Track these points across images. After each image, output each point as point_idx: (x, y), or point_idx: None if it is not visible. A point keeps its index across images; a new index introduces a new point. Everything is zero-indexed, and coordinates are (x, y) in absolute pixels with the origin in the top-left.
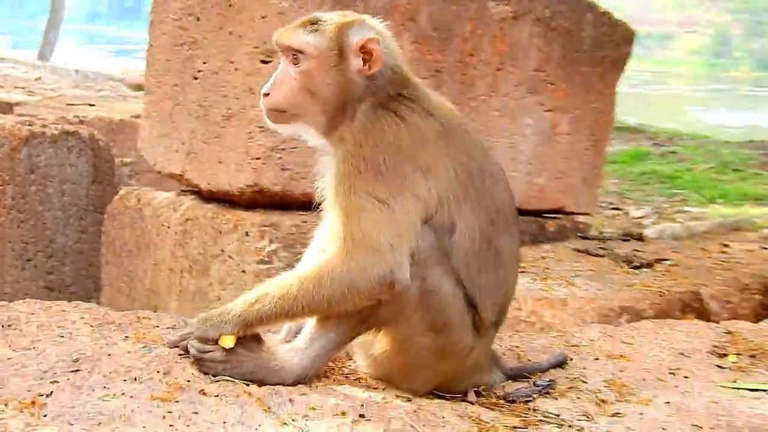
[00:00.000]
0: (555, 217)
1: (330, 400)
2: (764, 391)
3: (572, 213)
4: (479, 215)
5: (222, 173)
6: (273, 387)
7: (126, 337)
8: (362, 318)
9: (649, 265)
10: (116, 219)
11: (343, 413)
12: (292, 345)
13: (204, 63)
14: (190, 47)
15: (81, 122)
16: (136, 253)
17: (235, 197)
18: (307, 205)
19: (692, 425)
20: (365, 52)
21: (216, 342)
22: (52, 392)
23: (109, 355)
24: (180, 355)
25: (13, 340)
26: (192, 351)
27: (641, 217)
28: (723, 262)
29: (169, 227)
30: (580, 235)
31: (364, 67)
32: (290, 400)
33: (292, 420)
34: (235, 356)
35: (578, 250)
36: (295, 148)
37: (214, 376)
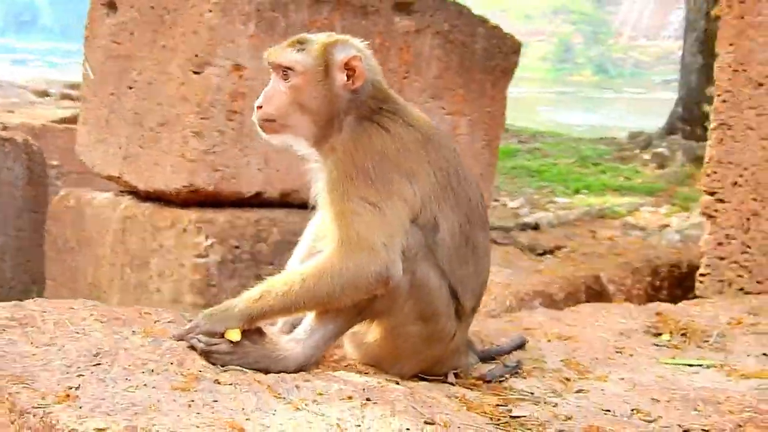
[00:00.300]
0: None
1: (333, 386)
2: (699, 365)
3: None
4: (458, 214)
5: (159, 175)
6: (278, 375)
7: (134, 331)
8: (358, 310)
9: (551, 252)
10: (58, 218)
11: (350, 397)
12: (293, 336)
13: (139, 74)
14: (125, 60)
15: (5, 128)
16: (77, 249)
17: (172, 197)
18: (236, 202)
19: (651, 399)
20: (349, 68)
21: (222, 335)
22: (79, 385)
23: (125, 349)
24: (189, 347)
25: (34, 337)
26: (200, 344)
27: (517, 208)
28: (612, 248)
29: (109, 225)
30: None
31: (348, 82)
32: (296, 387)
33: (305, 405)
34: (241, 348)
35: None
36: (225, 151)
37: (222, 366)
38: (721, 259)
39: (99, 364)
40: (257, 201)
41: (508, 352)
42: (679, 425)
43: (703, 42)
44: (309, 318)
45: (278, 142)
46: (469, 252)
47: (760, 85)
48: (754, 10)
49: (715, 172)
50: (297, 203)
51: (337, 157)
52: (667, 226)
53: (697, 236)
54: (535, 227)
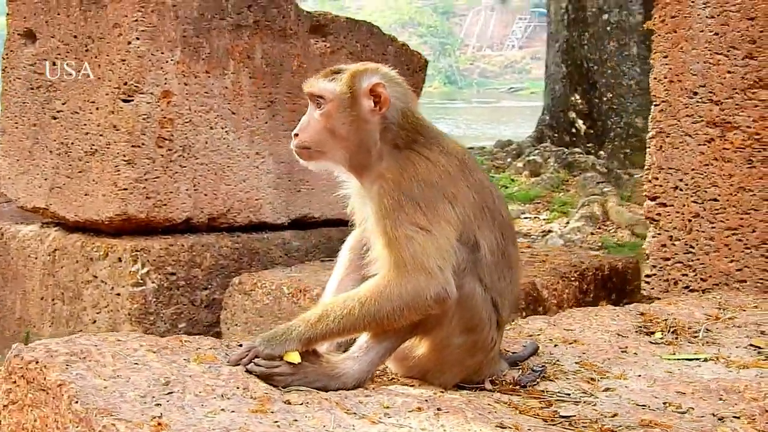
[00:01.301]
0: None
1: (396, 399)
2: (698, 359)
3: None
4: (494, 231)
5: (89, 204)
6: (339, 392)
7: (186, 359)
8: (411, 327)
9: None
10: None
11: (419, 408)
12: (348, 354)
13: (63, 104)
14: (47, 90)
15: None
16: (2, 285)
17: (103, 226)
18: (168, 229)
19: (675, 392)
20: (374, 94)
21: (281, 358)
22: (161, 414)
23: (190, 376)
24: (246, 371)
25: (98, 371)
26: (260, 369)
27: None
28: (535, 255)
29: (36, 258)
30: None
31: (375, 108)
32: (360, 402)
33: (379, 419)
34: (301, 368)
35: None
36: (157, 178)
37: (284, 387)
38: (666, 259)
39: (171, 392)
40: (187, 227)
41: (527, 358)
42: (713, 414)
43: (565, 52)
44: (364, 337)
45: (315, 168)
46: (505, 266)
47: (695, 94)
48: (686, 24)
49: (656, 178)
50: (224, 227)
51: (386, 185)
52: (549, 231)
53: (579, 239)
54: None
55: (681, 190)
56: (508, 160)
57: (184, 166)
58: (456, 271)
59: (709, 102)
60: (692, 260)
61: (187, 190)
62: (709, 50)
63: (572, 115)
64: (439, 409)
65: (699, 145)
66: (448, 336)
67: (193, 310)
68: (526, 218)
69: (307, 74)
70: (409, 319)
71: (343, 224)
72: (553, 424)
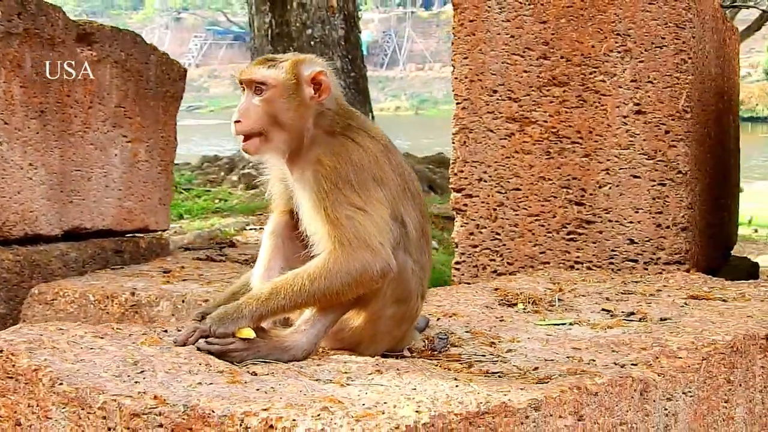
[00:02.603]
0: (140, 236)
1: (350, 365)
2: (564, 324)
3: (154, 230)
4: (415, 209)
5: None
6: (293, 363)
7: (134, 343)
8: (352, 301)
9: None
10: None
11: (379, 371)
12: (296, 328)
13: None
14: None
15: None
16: None
17: None
18: None
19: (572, 347)
20: (315, 82)
21: (233, 335)
22: (146, 390)
23: (152, 356)
24: (198, 349)
25: (62, 356)
26: (215, 347)
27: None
28: None
29: None
30: (182, 246)
31: (315, 96)
32: (318, 370)
33: (347, 382)
34: (254, 343)
35: (201, 259)
36: None
37: (239, 362)
38: (474, 247)
39: (143, 371)
40: None
41: (423, 329)
42: (615, 363)
43: None
44: (308, 311)
45: (258, 158)
46: (425, 242)
47: (495, 92)
48: (483, 27)
49: (461, 171)
50: (1, 240)
51: (322, 169)
52: None
53: None
54: (232, 244)
55: (485, 181)
56: (222, 174)
57: None
58: (392, 246)
59: (508, 99)
60: (498, 246)
61: None
62: (507, 51)
63: None
64: (397, 370)
65: (500, 139)
66: (382, 307)
67: None
68: (252, 229)
69: (74, 83)
70: (356, 293)
71: (114, 234)
72: (493, 378)
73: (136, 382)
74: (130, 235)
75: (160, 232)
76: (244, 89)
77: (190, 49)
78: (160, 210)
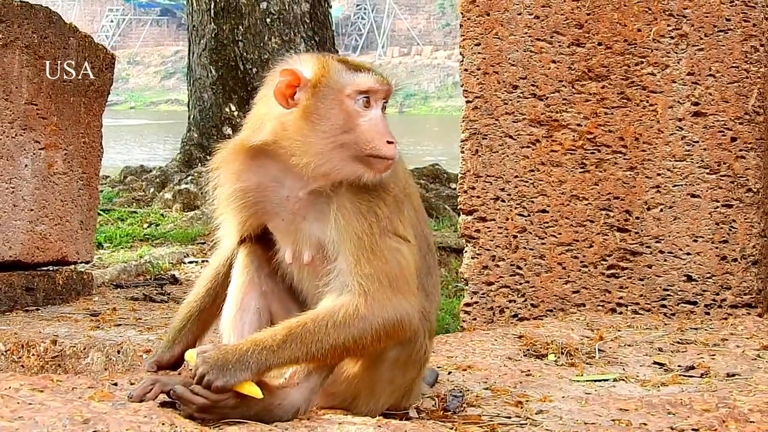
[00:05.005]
0: (56, 270)
1: (347, 428)
2: (607, 380)
3: (74, 262)
4: (420, 238)
5: None
6: (290, 423)
7: (81, 398)
8: None
9: None
10: None
11: None
12: (287, 382)
13: None
14: None
15: None
16: None
17: None
18: None
19: (618, 409)
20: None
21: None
22: None
23: (105, 414)
24: (164, 403)
25: None
26: (201, 400)
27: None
28: None
29: None
30: (114, 283)
31: None
32: None
33: None
34: (245, 400)
35: (137, 299)
36: None
37: (218, 419)
38: (489, 284)
39: (96, 431)
40: None
41: (432, 385)
42: (671, 428)
43: (214, 50)
44: None
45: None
46: (431, 276)
47: (515, 87)
48: (500, 5)
49: (472, 188)
50: None
51: (379, 194)
52: None
53: None
54: (174, 280)
55: (503, 201)
56: (151, 190)
57: None
58: None
59: (532, 97)
60: (520, 284)
61: None
62: (530, 36)
63: (228, 130)
64: None
65: (522, 147)
66: (383, 349)
67: None
68: (191, 262)
69: None
70: (382, 347)
71: (23, 267)
72: None
73: None
74: (45, 268)
75: (81, 265)
76: (369, 102)
77: (103, 27)
78: (81, 236)
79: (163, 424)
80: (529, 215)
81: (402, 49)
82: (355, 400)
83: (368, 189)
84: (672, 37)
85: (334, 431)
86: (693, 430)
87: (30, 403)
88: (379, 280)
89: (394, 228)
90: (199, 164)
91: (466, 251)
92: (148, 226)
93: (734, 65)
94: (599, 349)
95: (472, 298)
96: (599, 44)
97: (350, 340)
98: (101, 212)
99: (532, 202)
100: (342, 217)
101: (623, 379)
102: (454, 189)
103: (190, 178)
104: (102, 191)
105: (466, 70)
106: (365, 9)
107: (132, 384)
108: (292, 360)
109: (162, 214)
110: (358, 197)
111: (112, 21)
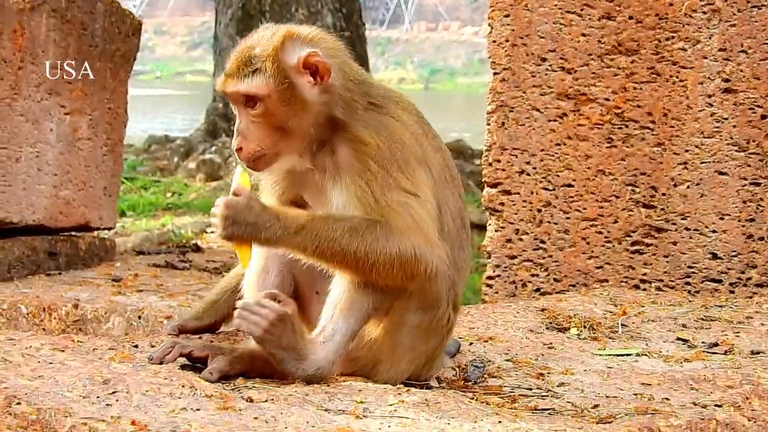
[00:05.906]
0: (79, 236)
1: (367, 394)
2: (629, 354)
3: (97, 228)
4: (455, 195)
5: None
6: (303, 388)
7: (101, 359)
8: (375, 305)
9: None
10: None
11: (402, 402)
12: (313, 338)
13: None
14: None
15: None
16: None
17: None
18: None
19: (640, 383)
20: (308, 67)
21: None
22: (120, 414)
23: (125, 374)
24: (184, 366)
25: (17, 371)
26: (253, 308)
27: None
28: None
29: None
30: (137, 250)
31: (316, 81)
32: (328, 398)
33: (363, 414)
34: (285, 323)
35: (159, 266)
36: None
37: (257, 340)
38: (512, 258)
39: (115, 392)
40: None
41: (454, 356)
42: (694, 403)
43: (241, 20)
44: (328, 314)
45: (270, 171)
46: (463, 236)
47: (543, 60)
48: None
49: (498, 161)
50: None
51: (366, 148)
52: None
53: None
54: (197, 248)
55: (528, 174)
56: (175, 159)
57: None
58: None
59: (560, 70)
60: (543, 258)
61: None
62: (559, 8)
63: None
64: (424, 401)
65: (549, 121)
66: (404, 311)
67: None
68: (213, 233)
69: (2, 39)
70: (388, 279)
71: (47, 232)
72: (543, 415)
73: (108, 405)
74: (67, 233)
75: (104, 231)
76: (228, 102)
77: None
78: (105, 202)
79: (183, 386)
80: (554, 189)
81: (429, 24)
82: (375, 367)
83: (356, 153)
84: (704, 12)
85: (354, 398)
86: (716, 406)
87: (51, 363)
88: (396, 219)
89: (398, 183)
90: (224, 134)
91: (489, 224)
92: (171, 195)
93: (766, 42)
94: (622, 324)
95: (494, 272)
96: (630, 18)
97: (361, 251)
98: (124, 180)
99: (558, 176)
100: (352, 180)
101: (646, 354)
102: (478, 165)
103: (214, 148)
104: (126, 159)
105: (494, 41)
106: None
107: (153, 346)
108: (301, 248)
109: (185, 184)
110: (348, 163)
111: None
